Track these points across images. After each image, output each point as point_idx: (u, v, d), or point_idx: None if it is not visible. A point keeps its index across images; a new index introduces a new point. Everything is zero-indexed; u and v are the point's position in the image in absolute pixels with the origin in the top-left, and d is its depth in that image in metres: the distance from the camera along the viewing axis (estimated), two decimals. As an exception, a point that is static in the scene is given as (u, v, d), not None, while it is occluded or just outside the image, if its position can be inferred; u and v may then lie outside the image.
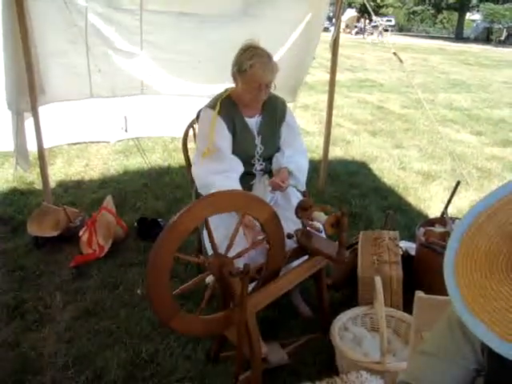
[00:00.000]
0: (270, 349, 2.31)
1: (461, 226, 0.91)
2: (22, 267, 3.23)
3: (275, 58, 2.68)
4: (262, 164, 2.74)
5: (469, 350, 1.08)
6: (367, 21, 32.70)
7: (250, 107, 2.66)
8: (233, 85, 2.67)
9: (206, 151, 2.54)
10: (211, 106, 2.62)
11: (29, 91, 3.33)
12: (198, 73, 4.22)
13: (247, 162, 2.69)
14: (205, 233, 2.57)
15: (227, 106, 2.61)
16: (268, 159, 2.76)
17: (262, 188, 2.69)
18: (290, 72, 4.22)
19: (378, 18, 29.19)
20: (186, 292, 2.73)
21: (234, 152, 2.63)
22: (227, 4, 3.88)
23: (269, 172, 2.78)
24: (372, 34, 32.53)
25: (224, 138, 2.58)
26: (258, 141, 2.69)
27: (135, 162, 5.34)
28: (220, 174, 2.51)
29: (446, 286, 0.87)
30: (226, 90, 2.68)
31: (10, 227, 3.81)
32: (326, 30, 11.82)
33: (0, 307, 2.84)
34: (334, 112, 4.57)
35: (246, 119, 2.66)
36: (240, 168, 2.62)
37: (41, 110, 3.50)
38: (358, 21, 30.91)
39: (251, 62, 2.44)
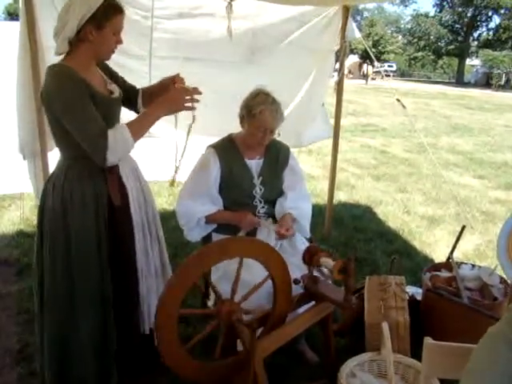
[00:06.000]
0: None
1: None
2: (27, 310, 3.21)
3: (285, 108, 2.78)
4: (264, 207, 2.76)
5: None
6: (369, 66, 33.45)
7: (252, 150, 2.75)
8: (237, 130, 2.77)
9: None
10: (213, 145, 2.76)
11: (39, 136, 3.39)
12: (205, 115, 4.29)
13: (248, 203, 2.73)
14: (215, 277, 2.58)
15: (227, 148, 2.74)
16: (271, 202, 2.79)
17: (266, 232, 2.70)
18: (296, 119, 4.32)
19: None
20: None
21: (232, 190, 2.70)
22: (230, 50, 3.97)
23: (273, 216, 2.80)
24: (374, 79, 33.25)
25: (213, 179, 2.68)
26: (257, 181, 2.74)
27: (141, 205, 5.33)
28: (201, 205, 2.65)
29: (498, 257, 1.31)
30: (231, 134, 2.79)
31: (15, 270, 3.82)
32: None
33: (4, 351, 2.82)
34: (338, 156, 4.63)
35: (246, 160, 2.74)
36: (219, 207, 2.71)
37: (50, 154, 3.55)
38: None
39: (261, 108, 2.55)
